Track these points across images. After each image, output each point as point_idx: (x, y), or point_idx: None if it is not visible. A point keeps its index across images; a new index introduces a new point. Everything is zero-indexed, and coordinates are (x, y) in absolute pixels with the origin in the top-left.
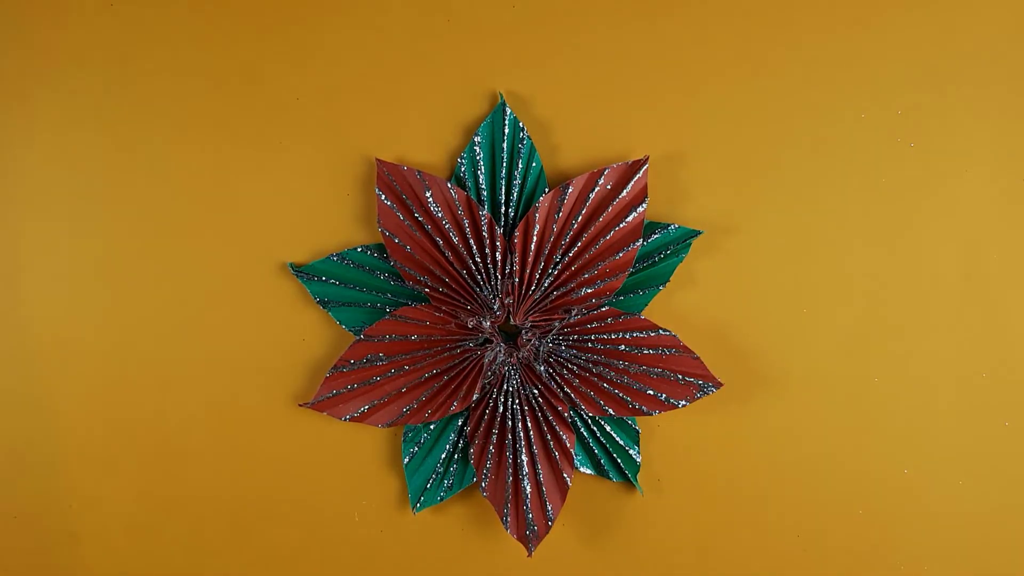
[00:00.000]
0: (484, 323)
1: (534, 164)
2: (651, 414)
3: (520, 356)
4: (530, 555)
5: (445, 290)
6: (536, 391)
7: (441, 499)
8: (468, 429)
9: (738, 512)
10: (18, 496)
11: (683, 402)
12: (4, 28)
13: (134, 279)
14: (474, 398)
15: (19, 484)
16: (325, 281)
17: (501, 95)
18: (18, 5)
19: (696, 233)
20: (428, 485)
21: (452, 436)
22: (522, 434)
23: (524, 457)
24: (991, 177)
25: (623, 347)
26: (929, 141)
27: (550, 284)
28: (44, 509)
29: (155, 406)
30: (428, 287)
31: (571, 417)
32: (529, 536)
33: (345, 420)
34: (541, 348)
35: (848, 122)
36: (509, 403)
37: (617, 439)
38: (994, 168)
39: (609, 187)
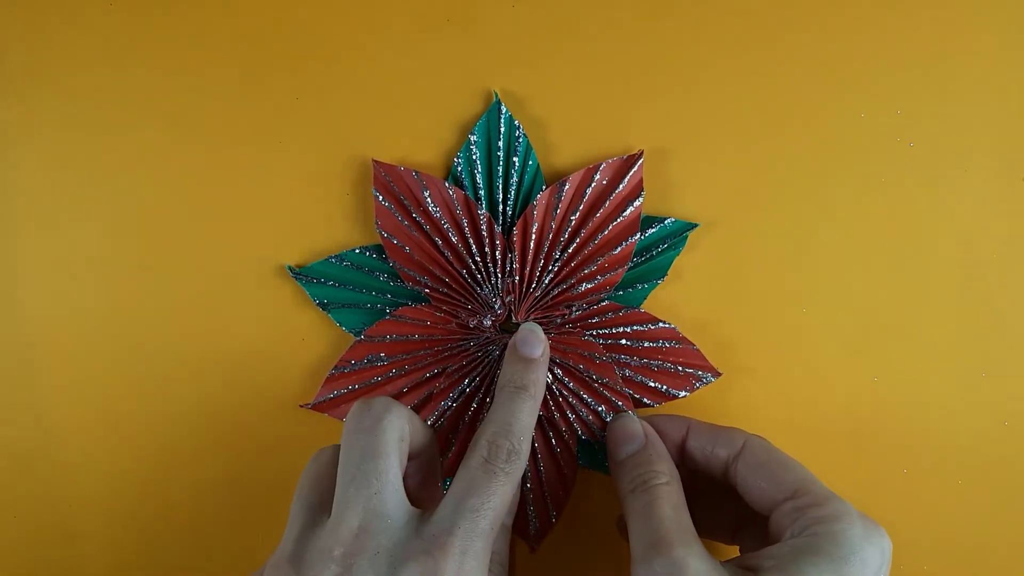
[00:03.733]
0: (485, 322)
1: (531, 162)
2: (652, 406)
3: None
4: (533, 551)
5: (445, 290)
6: None
7: None
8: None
9: None
10: (18, 496)
11: (683, 392)
12: (4, 28)
13: (133, 280)
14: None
15: (19, 484)
16: (324, 283)
17: (496, 93)
18: (18, 5)
19: (693, 226)
20: None
21: None
22: None
23: None
24: (991, 177)
25: (624, 341)
26: (929, 141)
27: (550, 281)
28: (44, 509)
29: (155, 408)
30: (428, 287)
31: None
32: (532, 533)
33: None
34: None
35: (847, 121)
36: None
37: None
38: (994, 168)
39: (605, 182)
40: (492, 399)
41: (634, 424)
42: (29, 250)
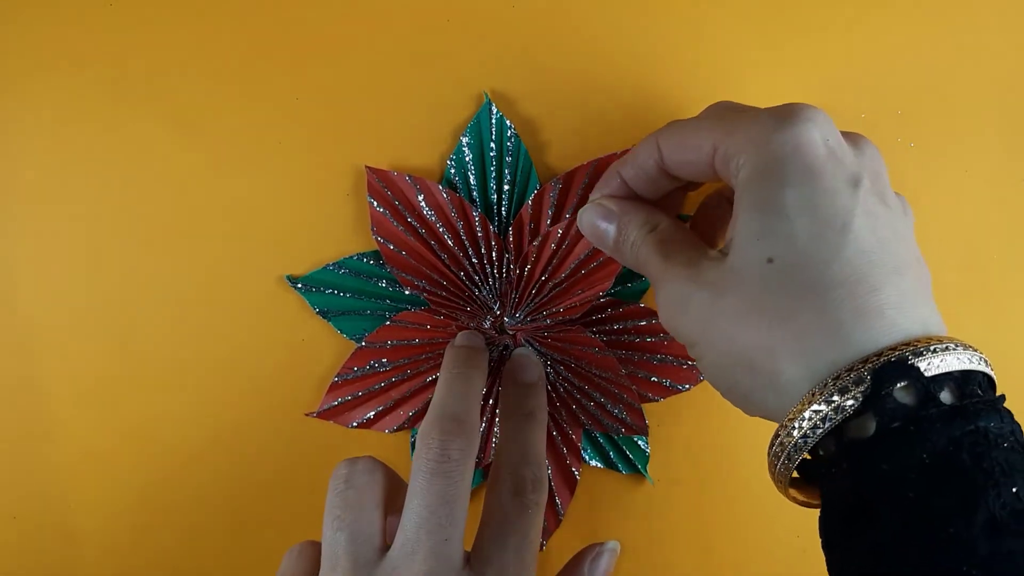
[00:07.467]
0: (484, 324)
1: (524, 162)
2: (657, 400)
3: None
4: (541, 550)
5: (443, 293)
6: None
7: None
8: None
9: (739, 511)
10: (18, 496)
11: (687, 386)
12: (4, 26)
13: (133, 290)
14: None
15: (19, 484)
16: (323, 291)
17: (487, 95)
18: (17, 5)
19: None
20: None
21: None
22: None
23: None
24: (991, 177)
25: (624, 337)
26: (929, 141)
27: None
28: (43, 509)
29: (157, 420)
30: (426, 291)
31: None
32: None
33: (352, 427)
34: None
35: (847, 121)
36: None
37: None
38: (994, 168)
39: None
40: (497, 393)
41: (593, 216)
42: (29, 252)
